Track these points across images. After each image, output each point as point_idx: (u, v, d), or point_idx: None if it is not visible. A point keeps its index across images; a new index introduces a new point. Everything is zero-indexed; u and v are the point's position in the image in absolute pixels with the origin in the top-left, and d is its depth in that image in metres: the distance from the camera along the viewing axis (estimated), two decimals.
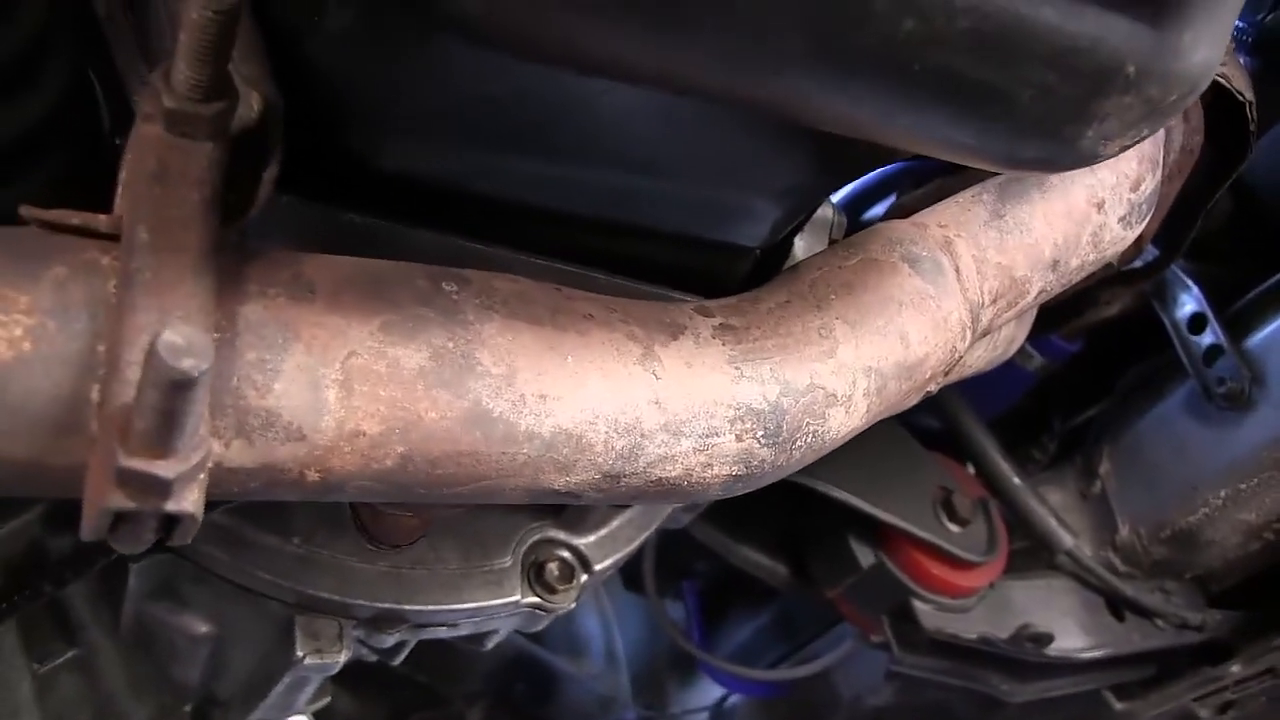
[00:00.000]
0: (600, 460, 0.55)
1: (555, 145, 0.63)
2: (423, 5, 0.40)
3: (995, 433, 1.23)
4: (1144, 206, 0.84)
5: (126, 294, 0.45)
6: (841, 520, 1.09)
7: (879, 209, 1.08)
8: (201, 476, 0.42)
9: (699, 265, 0.74)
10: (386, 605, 0.85)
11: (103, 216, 0.50)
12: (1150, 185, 0.84)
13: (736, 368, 0.59)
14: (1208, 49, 0.49)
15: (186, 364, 0.36)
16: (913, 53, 0.43)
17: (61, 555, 0.86)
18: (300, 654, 0.85)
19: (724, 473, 0.60)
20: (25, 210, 0.50)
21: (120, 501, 0.41)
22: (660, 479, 0.58)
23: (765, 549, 1.19)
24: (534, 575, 0.91)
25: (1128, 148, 0.52)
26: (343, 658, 0.88)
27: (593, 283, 0.70)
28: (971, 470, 1.23)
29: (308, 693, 0.97)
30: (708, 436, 0.58)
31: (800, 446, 0.61)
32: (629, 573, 1.39)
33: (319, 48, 0.56)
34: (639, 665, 1.80)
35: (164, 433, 0.39)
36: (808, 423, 0.61)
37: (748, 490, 0.63)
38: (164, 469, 0.40)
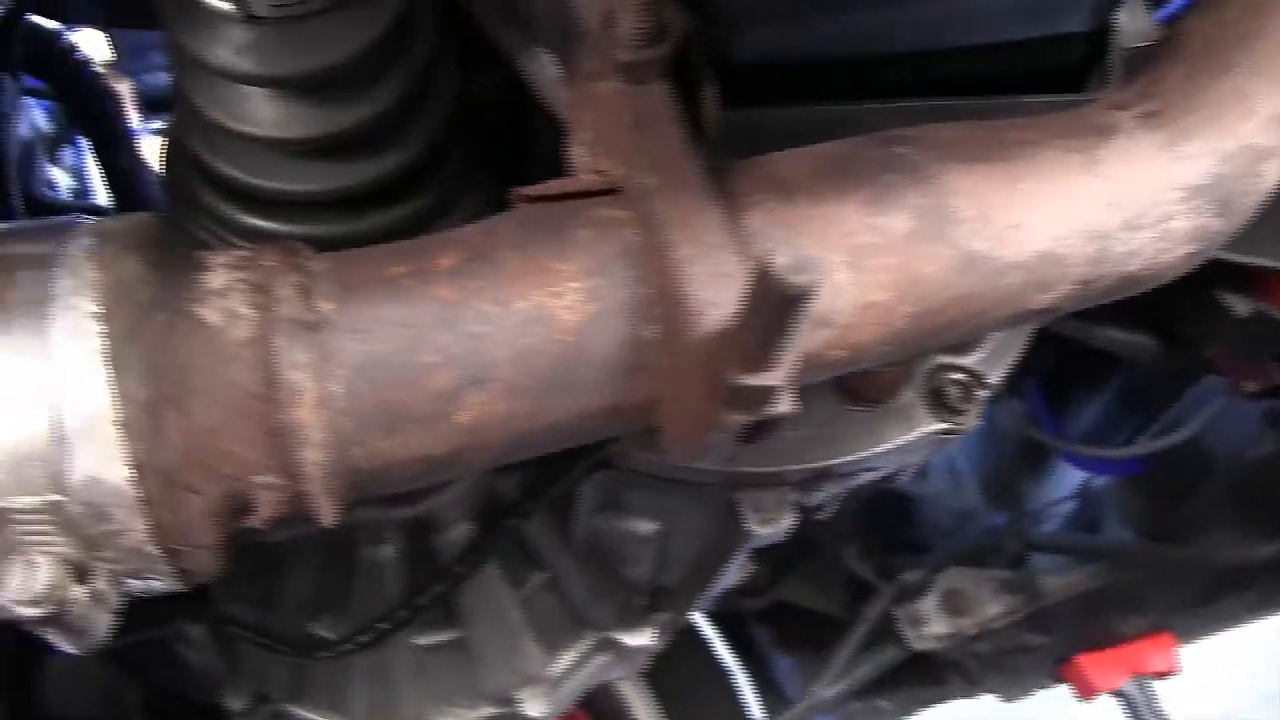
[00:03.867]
0: (1075, 271, 0.57)
1: None
2: None
3: None
4: None
5: (658, 235, 0.49)
6: (1205, 278, 1.07)
7: None
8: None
9: (1034, 64, 0.74)
10: (816, 464, 0.90)
11: (587, 177, 0.54)
12: None
13: (1172, 151, 0.60)
14: None
15: (803, 280, 0.39)
16: None
17: (518, 493, 0.95)
18: (751, 526, 0.91)
19: (1181, 252, 0.61)
20: (516, 192, 0.55)
21: (729, 417, 0.46)
22: (1127, 274, 0.60)
23: (1124, 325, 1.18)
24: (937, 402, 0.94)
25: None
26: (788, 521, 0.94)
27: (955, 110, 0.71)
28: None
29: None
30: (1162, 223, 0.59)
31: (1244, 208, 0.62)
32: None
33: None
34: (983, 474, 1.82)
35: (772, 347, 0.43)
36: (1247, 182, 0.61)
37: (1200, 262, 0.64)
38: (773, 378, 0.44)
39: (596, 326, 0.50)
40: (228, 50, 0.61)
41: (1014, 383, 1.61)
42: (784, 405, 0.47)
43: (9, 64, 1.20)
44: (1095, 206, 0.57)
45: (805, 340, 0.52)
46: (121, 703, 1.08)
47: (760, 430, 0.49)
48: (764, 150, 0.58)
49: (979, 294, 0.55)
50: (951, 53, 0.71)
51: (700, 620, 1.66)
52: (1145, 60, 0.71)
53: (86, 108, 1.37)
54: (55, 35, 1.35)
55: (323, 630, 0.99)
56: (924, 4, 0.67)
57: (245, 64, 0.61)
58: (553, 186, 0.53)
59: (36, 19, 1.27)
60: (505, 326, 0.49)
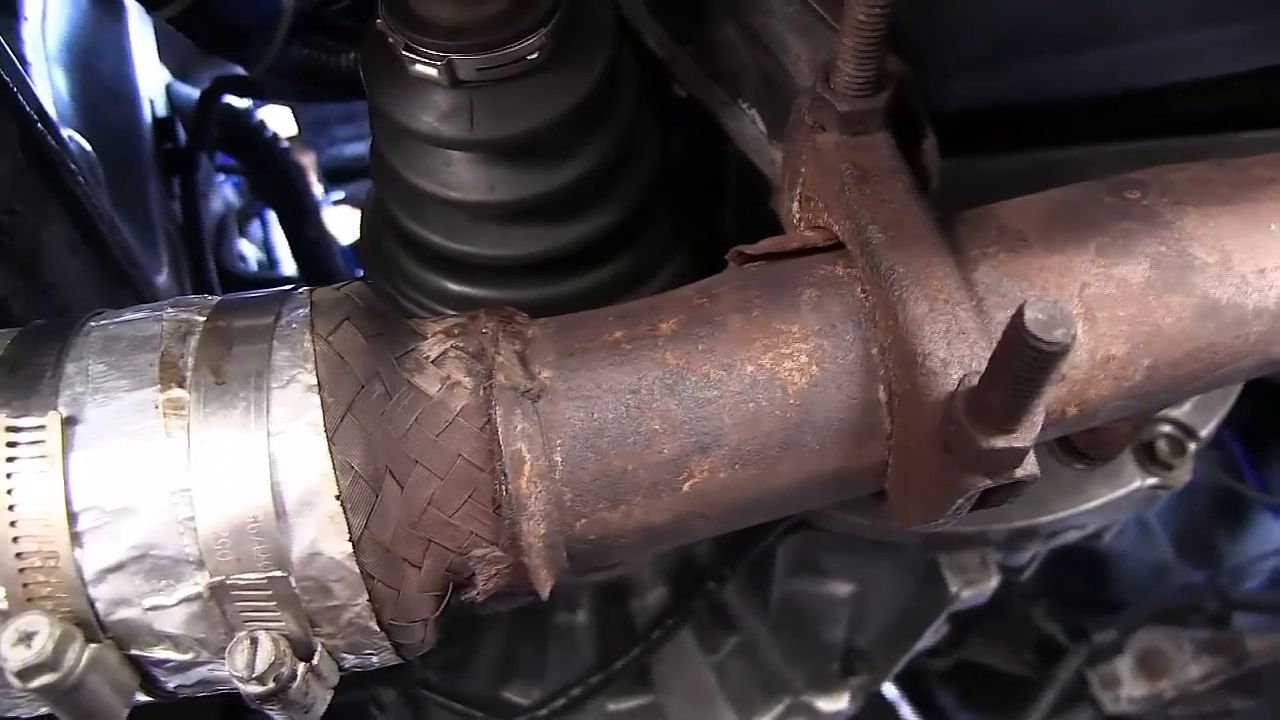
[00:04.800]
0: None
1: (1101, 31, 0.62)
2: None
3: None
4: None
5: (889, 292, 0.47)
6: None
7: None
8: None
9: (1246, 99, 0.71)
10: (1021, 524, 0.87)
11: (810, 233, 0.53)
12: None
13: None
14: None
15: (1058, 334, 0.37)
16: None
17: (712, 557, 0.94)
18: (955, 589, 0.88)
19: None
20: (737, 251, 0.54)
21: (973, 480, 0.44)
22: None
23: None
24: (1146, 457, 0.90)
25: None
26: (994, 583, 0.90)
27: (1182, 149, 0.69)
28: None
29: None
30: None
31: None
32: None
33: None
34: (1176, 528, 1.74)
35: (1023, 406, 0.41)
36: None
37: None
38: (1023, 439, 0.42)
39: (825, 389, 0.48)
40: (433, 116, 0.62)
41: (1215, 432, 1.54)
42: (1030, 468, 0.45)
43: (206, 143, 1.26)
44: None
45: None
46: None
47: (1000, 495, 0.47)
48: (978, 201, 0.56)
49: (1222, 344, 0.52)
50: (1170, 89, 0.68)
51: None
52: None
53: (275, 181, 1.43)
54: (246, 113, 1.42)
55: (515, 695, 0.99)
56: (1141, 42, 0.65)
57: (450, 129, 0.62)
58: (774, 244, 0.52)
59: (229, 98, 1.33)
60: (731, 391, 0.48)
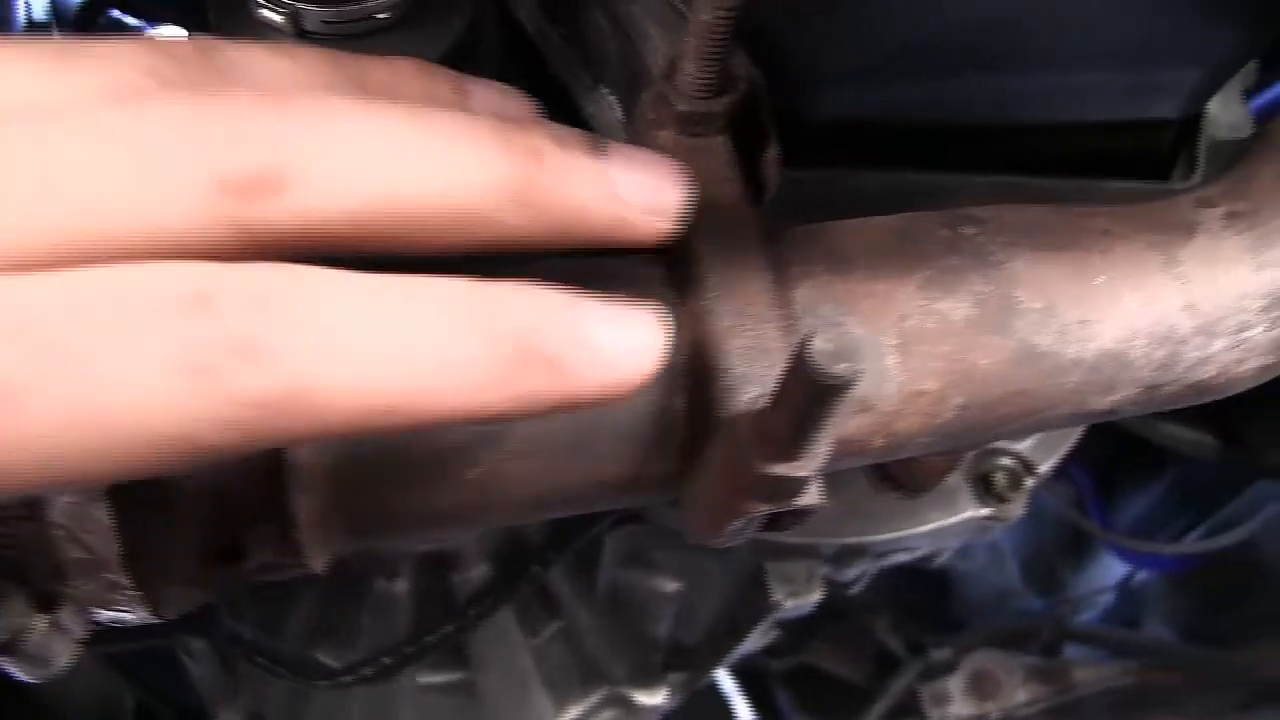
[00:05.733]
0: (1141, 374, 0.54)
1: (988, 59, 0.61)
2: None
3: None
4: None
5: (698, 300, 0.46)
6: (1276, 385, 1.03)
7: None
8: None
9: (1121, 147, 0.71)
10: (851, 540, 0.86)
11: None
12: None
13: (1256, 256, 0.56)
14: None
15: (842, 369, 0.36)
16: None
17: (542, 539, 0.92)
18: (778, 598, 0.88)
19: (1257, 364, 0.57)
20: None
21: (753, 506, 0.43)
22: (1196, 382, 0.56)
23: (1189, 422, 1.14)
24: (982, 487, 0.91)
25: None
26: (817, 596, 0.90)
27: (1034, 189, 0.68)
28: None
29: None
30: (1240, 332, 0.55)
31: None
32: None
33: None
34: (1025, 555, 1.77)
35: (804, 437, 0.40)
36: None
37: (1273, 376, 0.60)
38: (802, 469, 0.41)
39: None
40: None
41: (1063, 466, 1.57)
42: (811, 498, 0.43)
43: None
44: (1170, 309, 0.54)
45: (842, 425, 0.49)
46: (116, 705, 1.05)
47: (783, 521, 0.46)
48: (834, 214, 0.55)
49: (1037, 391, 0.52)
50: (1038, 128, 0.68)
51: (722, 674, 1.62)
52: (1236, 155, 0.67)
53: None
54: (136, 31, 1.35)
55: (326, 658, 0.96)
56: (1019, 75, 0.64)
57: None
58: None
59: (119, 14, 1.27)
60: None
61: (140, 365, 0.30)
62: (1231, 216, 0.57)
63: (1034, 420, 0.53)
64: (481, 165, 0.36)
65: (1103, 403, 0.54)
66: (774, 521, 0.46)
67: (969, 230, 0.52)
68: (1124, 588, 1.63)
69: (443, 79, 0.46)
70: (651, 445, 0.47)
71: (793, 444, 0.40)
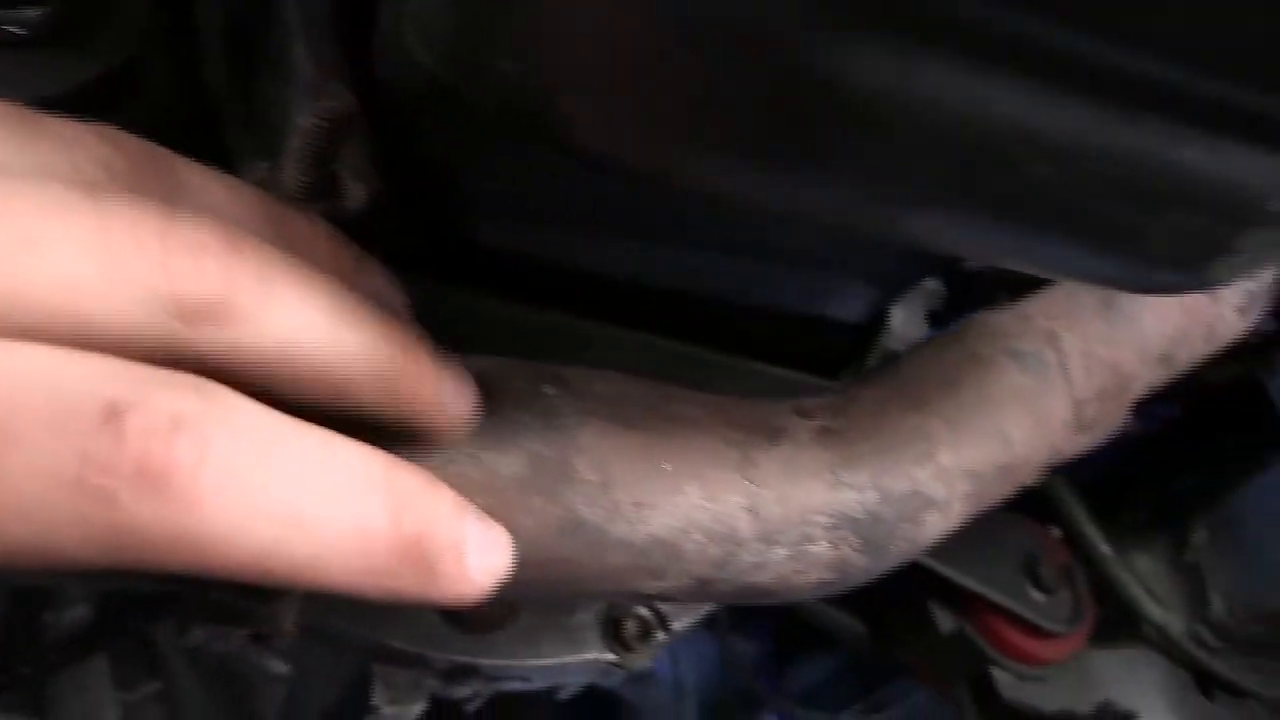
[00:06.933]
0: (692, 568, 0.54)
1: (658, 233, 0.62)
2: (540, 133, 0.39)
3: (1083, 496, 1.19)
4: (1263, 295, 0.81)
5: None
6: (922, 583, 1.07)
7: None
8: None
9: (798, 339, 0.73)
10: (462, 659, 0.85)
11: None
12: (1271, 274, 0.81)
13: (835, 474, 0.57)
14: None
15: None
16: (1042, 196, 0.41)
17: (147, 591, 0.87)
18: (378, 703, 0.86)
19: (816, 578, 0.58)
20: None
21: (231, 631, 0.41)
22: (752, 584, 0.57)
23: (842, 605, 1.17)
24: (611, 632, 0.90)
25: (1259, 271, 0.50)
26: (418, 709, 0.88)
27: (694, 359, 0.70)
28: (1058, 534, 1.19)
29: None
30: (802, 544, 0.57)
31: (895, 553, 0.60)
32: None
33: (420, 142, 0.55)
34: (706, 698, 1.78)
35: None
36: (904, 528, 0.59)
37: (837, 592, 0.61)
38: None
39: None
40: None
41: (745, 623, 1.59)
42: (275, 625, 0.42)
43: None
44: (733, 509, 0.54)
45: None
46: None
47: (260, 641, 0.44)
48: (458, 339, 0.54)
49: (577, 562, 0.52)
50: (712, 301, 0.69)
51: None
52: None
53: None
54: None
55: None
56: (694, 250, 0.65)
57: None
58: None
59: None
60: None
61: (34, 471, 0.29)
62: (823, 432, 0.59)
63: (576, 589, 0.53)
64: (369, 346, 0.39)
65: (650, 586, 0.54)
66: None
67: (549, 389, 0.52)
68: None
69: (348, 251, 0.47)
70: None
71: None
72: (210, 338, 0.33)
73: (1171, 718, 1.19)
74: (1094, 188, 0.41)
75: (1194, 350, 0.76)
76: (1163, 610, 1.19)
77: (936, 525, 0.61)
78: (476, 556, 0.40)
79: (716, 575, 0.55)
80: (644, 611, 0.93)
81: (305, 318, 0.36)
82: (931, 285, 0.83)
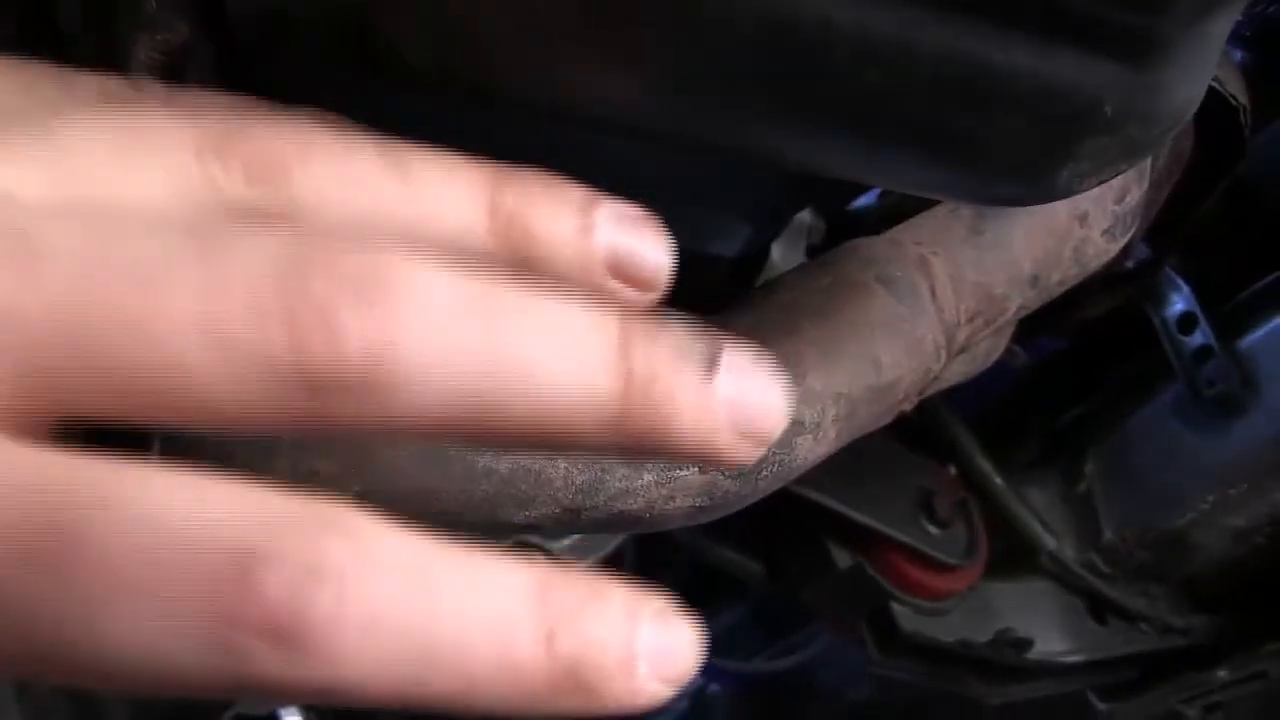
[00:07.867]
0: (560, 495, 0.54)
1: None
2: (369, 56, 0.39)
3: (976, 431, 1.21)
4: (1129, 218, 0.83)
5: None
6: (818, 522, 1.08)
7: (869, 197, 1.06)
8: None
9: (676, 276, 0.73)
10: None
11: None
12: (1136, 196, 0.82)
13: None
14: (1191, 86, 0.48)
15: None
16: (876, 102, 0.41)
17: None
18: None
19: (687, 504, 0.59)
20: None
21: None
22: (622, 512, 0.57)
23: (740, 548, 1.18)
24: None
25: (1104, 182, 0.51)
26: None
27: None
28: (952, 470, 1.21)
29: None
30: (670, 470, 0.57)
31: (766, 476, 0.60)
32: (606, 559, 1.37)
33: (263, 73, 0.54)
34: None
35: None
36: (774, 453, 0.60)
37: (710, 519, 0.62)
38: None
39: None
40: None
41: (648, 572, 1.60)
42: None
43: None
44: None
45: None
46: None
47: None
48: None
49: (445, 492, 0.51)
50: None
51: None
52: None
53: None
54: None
55: None
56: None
57: None
58: None
59: None
60: None
61: (163, 623, 0.26)
62: None
63: (440, 523, 0.53)
64: (587, 383, 0.31)
65: (519, 516, 0.54)
66: None
67: None
68: (697, 697, 1.66)
69: (571, 211, 0.37)
70: None
71: None
72: (355, 403, 0.29)
73: (1067, 642, 1.22)
74: (927, 94, 0.42)
75: (1065, 272, 0.77)
76: (1056, 540, 1.22)
77: (808, 449, 0.61)
78: (651, 668, 0.32)
79: (585, 503, 0.55)
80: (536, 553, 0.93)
81: (485, 365, 0.30)
82: (811, 220, 0.84)
